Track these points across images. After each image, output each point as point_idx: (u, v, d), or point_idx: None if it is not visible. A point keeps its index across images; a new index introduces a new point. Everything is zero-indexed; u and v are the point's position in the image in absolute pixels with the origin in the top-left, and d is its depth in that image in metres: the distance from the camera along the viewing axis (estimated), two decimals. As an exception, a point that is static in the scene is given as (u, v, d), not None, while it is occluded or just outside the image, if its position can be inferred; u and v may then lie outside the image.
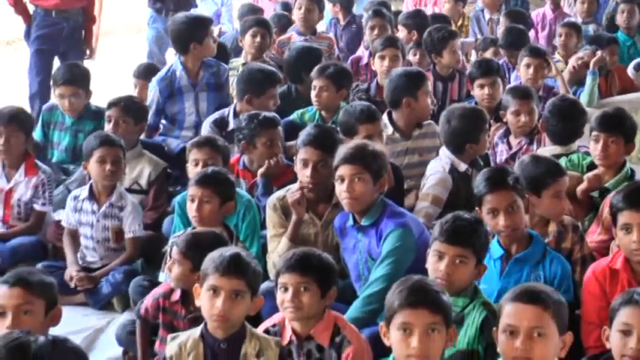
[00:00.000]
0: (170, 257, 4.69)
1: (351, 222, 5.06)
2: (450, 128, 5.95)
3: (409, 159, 6.42)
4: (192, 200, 5.08)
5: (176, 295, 4.67)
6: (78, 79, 7.26)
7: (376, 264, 4.88)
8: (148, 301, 4.79)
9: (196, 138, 6.19)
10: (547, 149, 6.21)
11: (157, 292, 4.80)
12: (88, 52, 9.12)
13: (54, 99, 7.51)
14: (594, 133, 5.71)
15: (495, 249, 4.70)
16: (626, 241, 4.41)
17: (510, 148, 6.64)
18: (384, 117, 6.52)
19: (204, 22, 7.42)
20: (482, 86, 7.30)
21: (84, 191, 5.97)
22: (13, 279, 4.01)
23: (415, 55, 8.65)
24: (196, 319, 4.45)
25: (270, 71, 7.21)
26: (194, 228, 5.11)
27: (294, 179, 5.52)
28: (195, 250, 4.51)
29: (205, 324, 4.00)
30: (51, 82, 7.63)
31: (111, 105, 6.67)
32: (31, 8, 8.80)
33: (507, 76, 8.45)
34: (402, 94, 6.50)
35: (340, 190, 4.93)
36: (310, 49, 8.08)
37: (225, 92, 7.65)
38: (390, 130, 6.47)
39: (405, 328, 3.53)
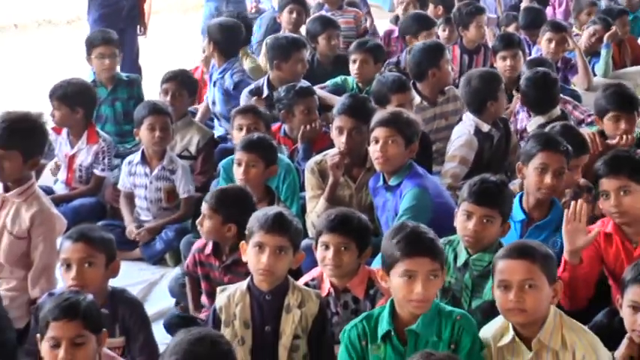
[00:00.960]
0: None
1: (381, 182, 5.12)
2: (470, 89, 6.02)
3: (437, 124, 6.44)
4: (239, 164, 5.13)
5: (208, 249, 4.72)
6: (114, 41, 7.27)
7: (395, 220, 4.91)
8: (189, 256, 4.86)
9: (240, 106, 6.21)
10: (533, 121, 6.21)
11: (194, 248, 4.86)
12: (141, 29, 9.09)
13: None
14: (613, 113, 5.68)
15: (517, 212, 4.68)
16: (606, 206, 4.40)
17: (530, 115, 6.59)
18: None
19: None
20: (504, 58, 7.33)
21: (137, 156, 6.02)
22: (76, 235, 4.05)
23: (444, 30, 8.62)
24: (228, 268, 4.60)
25: (293, 37, 7.31)
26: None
27: (330, 145, 5.54)
28: (223, 204, 4.59)
29: (251, 277, 4.03)
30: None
31: (168, 79, 6.66)
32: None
33: (528, 51, 8.41)
34: (426, 67, 6.53)
35: (374, 150, 5.00)
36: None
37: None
38: (417, 99, 6.49)
39: (409, 275, 3.54)
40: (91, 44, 7.25)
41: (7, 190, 4.81)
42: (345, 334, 3.71)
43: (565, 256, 4.29)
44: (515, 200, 4.71)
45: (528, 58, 7.67)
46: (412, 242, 3.60)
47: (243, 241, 4.11)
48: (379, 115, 5.14)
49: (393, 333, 3.62)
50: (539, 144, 4.71)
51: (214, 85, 7.32)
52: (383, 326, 3.64)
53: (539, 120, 6.13)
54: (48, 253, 4.77)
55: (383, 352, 3.64)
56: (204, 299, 4.83)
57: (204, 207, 4.66)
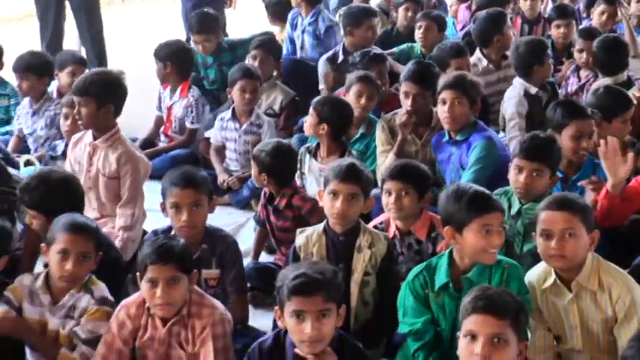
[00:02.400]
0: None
1: (446, 138, 5.12)
2: (518, 55, 5.94)
3: (500, 87, 6.35)
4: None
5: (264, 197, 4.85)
6: (207, 27, 7.19)
7: (465, 170, 4.95)
8: (259, 204, 4.97)
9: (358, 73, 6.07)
10: (600, 82, 6.08)
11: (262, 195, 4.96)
12: (229, 1, 8.89)
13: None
14: None
15: None
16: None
17: (580, 80, 6.53)
18: (478, 53, 6.52)
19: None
20: (558, 26, 7.29)
21: (228, 113, 6.07)
22: (184, 181, 4.06)
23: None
24: (279, 212, 4.71)
25: (364, 6, 7.35)
26: (317, 145, 5.23)
27: (398, 105, 5.53)
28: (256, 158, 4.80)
29: (327, 221, 4.06)
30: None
31: (257, 46, 6.68)
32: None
33: (581, 22, 8.29)
34: (492, 34, 6.48)
35: (442, 110, 5.01)
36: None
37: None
38: (484, 62, 6.46)
39: (486, 230, 3.53)
40: (191, 30, 7.31)
41: (95, 138, 4.87)
42: (408, 283, 3.71)
43: (608, 187, 4.29)
44: None
45: (580, 27, 7.56)
46: (483, 201, 3.61)
47: (320, 189, 4.15)
48: (445, 78, 5.15)
49: (450, 284, 3.63)
50: (570, 114, 4.68)
51: (303, 32, 7.37)
52: (441, 278, 3.65)
53: (605, 81, 5.99)
54: (133, 189, 4.79)
55: (442, 300, 3.66)
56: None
57: (253, 164, 4.83)
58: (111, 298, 3.74)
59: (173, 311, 3.51)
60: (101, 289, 3.73)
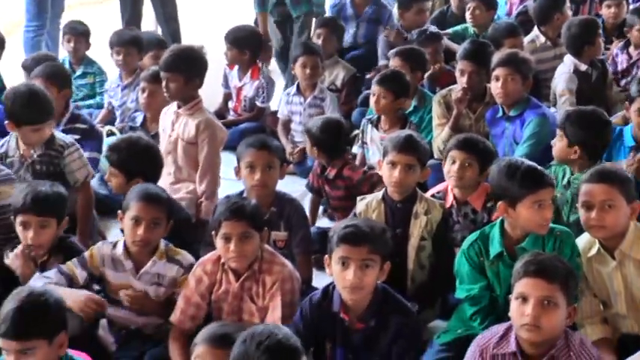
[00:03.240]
0: None
1: (500, 113, 5.09)
2: (570, 34, 5.83)
3: (556, 63, 6.20)
4: (374, 94, 5.18)
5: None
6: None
7: (519, 145, 4.91)
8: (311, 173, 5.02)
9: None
10: None
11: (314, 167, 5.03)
12: None
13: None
14: None
15: (628, 139, 4.61)
16: None
17: (630, 58, 6.40)
18: (536, 30, 6.42)
19: None
20: (609, 6, 7.04)
21: (293, 88, 6.10)
22: (260, 143, 4.14)
23: None
24: (332, 182, 4.75)
25: None
26: (378, 117, 5.24)
27: (452, 81, 5.53)
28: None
29: (386, 189, 4.09)
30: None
31: (321, 25, 6.70)
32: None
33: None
34: (552, 11, 6.38)
35: (495, 87, 4.98)
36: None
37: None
38: (542, 39, 6.36)
39: (539, 204, 3.50)
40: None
41: (179, 107, 4.91)
42: (464, 251, 3.70)
43: None
44: (627, 129, 4.64)
45: (632, 7, 7.36)
46: (536, 177, 3.58)
47: (379, 158, 4.18)
48: (499, 56, 5.12)
49: (504, 253, 3.61)
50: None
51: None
52: (495, 248, 3.63)
53: None
54: (212, 154, 4.82)
55: (496, 267, 3.64)
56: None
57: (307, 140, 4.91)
58: (193, 260, 3.78)
59: (245, 264, 3.56)
60: (186, 257, 3.78)
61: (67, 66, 6.39)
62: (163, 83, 4.88)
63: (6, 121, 4.53)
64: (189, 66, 4.88)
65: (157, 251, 3.73)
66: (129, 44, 6.26)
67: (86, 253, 3.78)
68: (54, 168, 4.55)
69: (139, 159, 4.30)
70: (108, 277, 3.78)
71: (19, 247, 3.83)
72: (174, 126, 4.91)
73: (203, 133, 4.81)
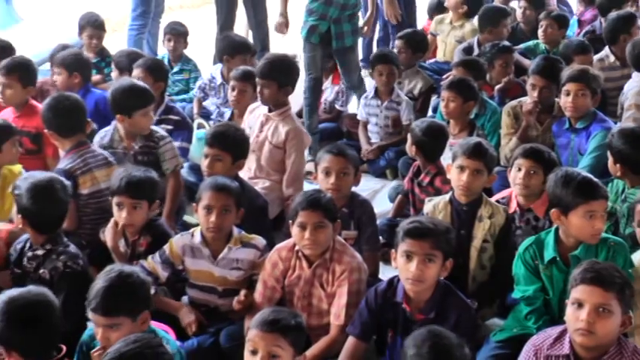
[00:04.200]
0: None
1: (567, 125, 5.00)
2: (634, 54, 5.59)
3: (623, 82, 6.00)
4: (443, 99, 5.18)
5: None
6: None
7: (583, 157, 4.82)
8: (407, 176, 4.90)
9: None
10: None
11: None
12: None
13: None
14: None
15: None
16: None
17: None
18: (606, 50, 6.24)
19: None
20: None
21: (371, 92, 6.06)
22: (336, 150, 4.16)
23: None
24: (420, 185, 4.65)
25: (501, 7, 7.20)
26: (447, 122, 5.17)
27: (521, 93, 5.48)
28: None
29: (453, 192, 4.03)
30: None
31: (400, 37, 6.62)
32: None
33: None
34: (620, 33, 6.19)
35: (565, 100, 4.90)
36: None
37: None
38: (612, 58, 6.17)
39: (590, 215, 3.43)
40: None
41: (270, 111, 4.95)
42: (520, 254, 3.64)
43: None
44: None
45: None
46: (589, 188, 3.49)
47: (449, 163, 4.13)
48: (569, 71, 5.00)
49: (558, 258, 3.54)
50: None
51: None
52: (549, 253, 3.56)
53: None
54: (299, 161, 4.88)
55: (550, 271, 3.57)
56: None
57: None
58: (261, 245, 3.80)
59: (318, 252, 3.56)
60: (260, 240, 3.79)
61: (165, 62, 6.48)
62: (258, 88, 4.93)
63: (117, 115, 4.65)
64: (283, 74, 4.92)
65: (232, 238, 3.75)
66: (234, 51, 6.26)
67: (166, 247, 3.80)
68: (151, 157, 4.66)
69: (236, 145, 4.36)
70: (187, 264, 3.80)
71: (111, 222, 3.91)
72: (263, 127, 4.93)
73: (292, 140, 4.84)
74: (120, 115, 4.64)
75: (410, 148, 4.76)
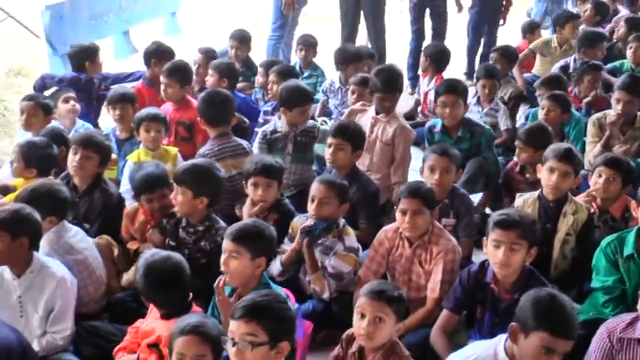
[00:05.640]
0: None
1: None
2: None
3: None
4: (543, 108, 5.07)
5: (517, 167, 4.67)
6: None
7: None
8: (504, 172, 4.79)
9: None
10: None
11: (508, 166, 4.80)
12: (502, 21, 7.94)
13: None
14: None
15: None
16: None
17: None
18: None
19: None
20: None
21: (474, 99, 5.87)
22: (441, 150, 4.03)
23: None
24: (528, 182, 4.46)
25: (599, 31, 6.96)
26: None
27: (606, 106, 5.31)
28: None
29: (542, 189, 3.94)
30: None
31: (495, 50, 6.49)
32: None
33: None
34: None
35: None
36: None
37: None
38: None
39: None
40: None
41: (377, 113, 4.92)
42: (602, 248, 3.54)
43: None
44: None
45: None
46: None
47: (539, 164, 4.01)
48: None
49: (635, 255, 3.43)
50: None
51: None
52: (628, 249, 3.46)
53: None
54: (405, 153, 4.84)
55: (628, 266, 3.46)
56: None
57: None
58: (357, 246, 3.71)
59: (416, 234, 3.55)
60: (352, 239, 3.70)
61: (297, 69, 6.55)
62: (377, 100, 4.92)
63: (281, 108, 4.81)
64: (398, 86, 4.96)
65: (333, 231, 3.70)
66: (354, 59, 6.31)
67: (290, 228, 3.84)
68: (308, 139, 4.83)
69: (362, 136, 4.43)
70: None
71: (247, 200, 3.99)
72: (373, 129, 4.91)
73: (399, 136, 4.81)
74: (283, 108, 4.78)
75: (519, 143, 4.61)
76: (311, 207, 3.67)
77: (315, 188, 3.70)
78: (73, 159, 4.01)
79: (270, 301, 2.51)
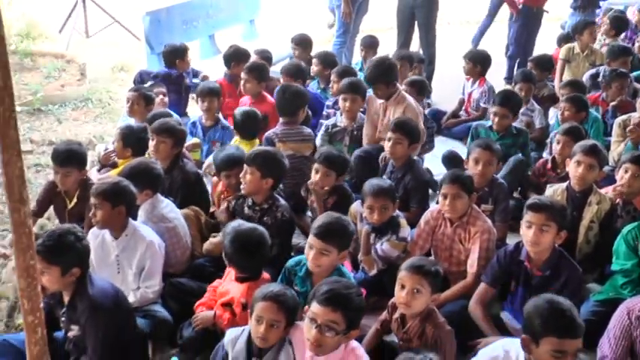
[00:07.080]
0: None
1: None
2: None
3: None
4: (561, 109, 4.98)
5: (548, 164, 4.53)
6: None
7: None
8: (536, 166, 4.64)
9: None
10: None
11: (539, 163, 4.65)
12: None
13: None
14: None
15: None
16: None
17: None
18: None
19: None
20: None
21: None
22: (484, 144, 3.94)
23: None
24: (561, 178, 4.26)
25: (624, 46, 6.69)
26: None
27: (631, 110, 5.10)
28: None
29: (570, 180, 3.83)
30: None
31: (531, 60, 6.31)
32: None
33: None
34: None
35: None
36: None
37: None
38: None
39: None
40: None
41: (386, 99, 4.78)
42: (623, 235, 3.42)
43: None
44: None
45: None
46: None
47: (568, 159, 3.90)
48: None
49: None
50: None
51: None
52: None
53: None
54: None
55: (646, 251, 3.36)
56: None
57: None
58: (408, 236, 3.60)
59: (456, 215, 3.49)
60: (405, 231, 3.58)
61: (358, 68, 6.47)
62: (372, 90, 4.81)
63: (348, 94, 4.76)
64: (379, 78, 4.71)
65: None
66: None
67: (349, 214, 3.76)
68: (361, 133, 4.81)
69: (418, 131, 4.32)
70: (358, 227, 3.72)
71: (310, 183, 3.98)
72: (385, 112, 4.77)
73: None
74: (351, 94, 4.75)
75: (558, 140, 4.44)
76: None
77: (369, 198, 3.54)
78: (151, 144, 4.09)
79: (352, 293, 2.50)
